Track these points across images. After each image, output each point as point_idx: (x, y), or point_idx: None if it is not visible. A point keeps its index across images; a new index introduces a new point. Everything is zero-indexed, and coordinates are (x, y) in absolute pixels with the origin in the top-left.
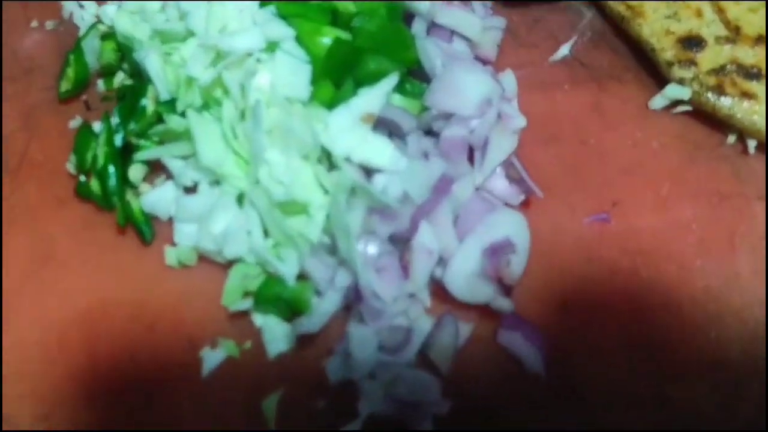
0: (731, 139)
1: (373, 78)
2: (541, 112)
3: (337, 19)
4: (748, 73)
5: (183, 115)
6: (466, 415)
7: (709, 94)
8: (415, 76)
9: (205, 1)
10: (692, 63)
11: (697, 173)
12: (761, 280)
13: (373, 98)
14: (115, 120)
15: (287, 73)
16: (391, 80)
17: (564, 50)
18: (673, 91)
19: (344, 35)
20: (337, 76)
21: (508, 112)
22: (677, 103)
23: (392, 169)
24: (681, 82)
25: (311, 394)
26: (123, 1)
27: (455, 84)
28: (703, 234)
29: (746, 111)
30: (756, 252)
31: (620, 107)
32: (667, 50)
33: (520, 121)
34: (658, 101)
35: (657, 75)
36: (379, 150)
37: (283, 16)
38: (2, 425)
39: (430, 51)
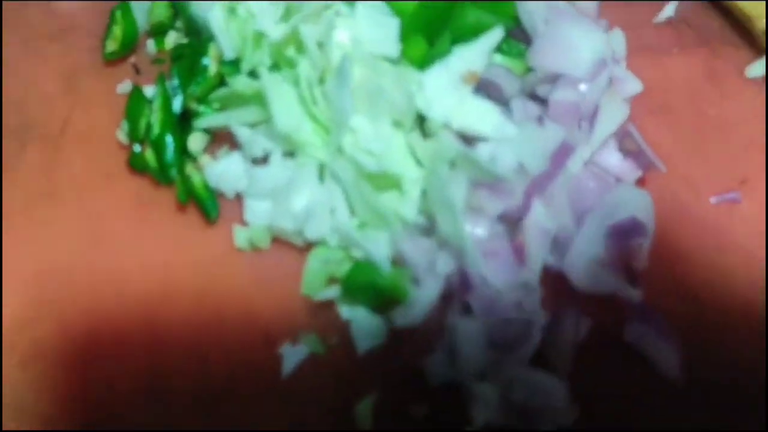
0: None
1: (471, 34)
2: (649, 78)
3: None
4: None
5: (249, 76)
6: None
7: None
8: (514, 37)
9: None
10: None
11: None
12: None
13: (475, 55)
14: (171, 83)
15: (372, 28)
16: (495, 35)
17: (669, 10)
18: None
19: None
20: (430, 30)
21: (620, 76)
22: None
23: (501, 135)
24: None
25: (410, 398)
26: None
27: (564, 41)
28: None
29: None
30: None
31: (737, 75)
32: (762, 17)
33: (635, 86)
34: (756, 69)
35: None
36: (484, 114)
37: None
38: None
39: (531, 6)
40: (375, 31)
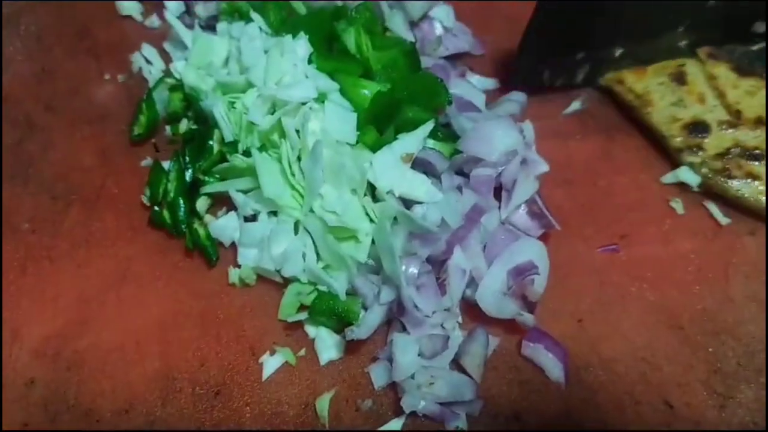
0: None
1: (411, 124)
2: (556, 158)
3: (368, 73)
4: (752, 155)
5: (244, 155)
6: (494, 418)
7: (719, 178)
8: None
9: (263, 56)
10: (700, 148)
11: (695, 212)
12: (753, 303)
13: (412, 141)
14: (184, 159)
15: (337, 120)
16: (428, 126)
17: (576, 105)
18: (684, 175)
19: (382, 87)
20: (379, 122)
21: (533, 159)
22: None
23: (430, 200)
24: (691, 166)
25: (359, 395)
26: (188, 55)
27: (486, 135)
28: (700, 263)
29: (753, 191)
30: (748, 279)
31: (627, 154)
32: (676, 137)
33: (543, 167)
34: (669, 178)
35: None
36: (417, 184)
37: (325, 71)
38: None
39: (462, 122)
40: (339, 123)
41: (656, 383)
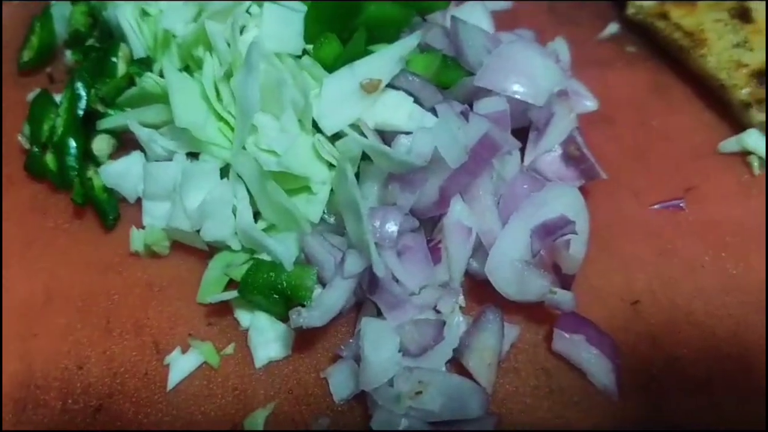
0: None
1: (383, 30)
2: (593, 92)
3: None
4: None
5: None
6: None
7: None
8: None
9: None
10: None
11: None
12: None
13: (380, 62)
14: (77, 86)
15: (276, 24)
16: (407, 43)
17: (612, 28)
18: (751, 140)
19: None
20: (334, 24)
21: (575, 90)
22: None
23: (416, 126)
24: (762, 127)
25: (310, 411)
26: None
27: (519, 68)
28: None
29: None
30: None
31: (683, 88)
32: (740, 87)
33: (591, 104)
34: (731, 145)
35: None
36: (397, 106)
37: None
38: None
39: (471, 35)
40: (280, 29)
41: (748, 391)
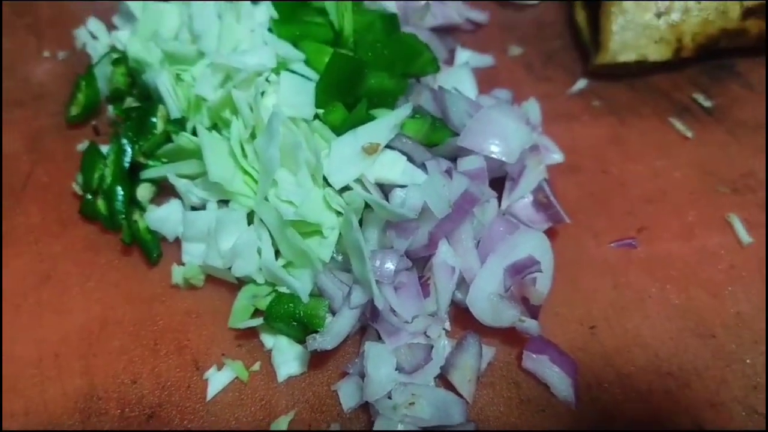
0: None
1: (382, 98)
2: (561, 143)
3: (339, 41)
4: None
5: (193, 134)
6: None
7: None
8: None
9: (217, 22)
10: None
11: (722, 202)
12: None
13: (379, 129)
14: (123, 141)
15: (291, 93)
16: (402, 112)
17: (581, 83)
18: None
19: (347, 52)
20: (340, 93)
21: (544, 144)
22: None
23: (409, 181)
24: None
25: (324, 418)
26: (135, 26)
27: (495, 129)
28: (732, 261)
29: None
30: None
31: (640, 139)
32: None
33: (557, 157)
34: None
35: (677, 110)
36: (392, 163)
37: (288, 39)
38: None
39: (455, 102)
40: (294, 97)
41: (685, 403)
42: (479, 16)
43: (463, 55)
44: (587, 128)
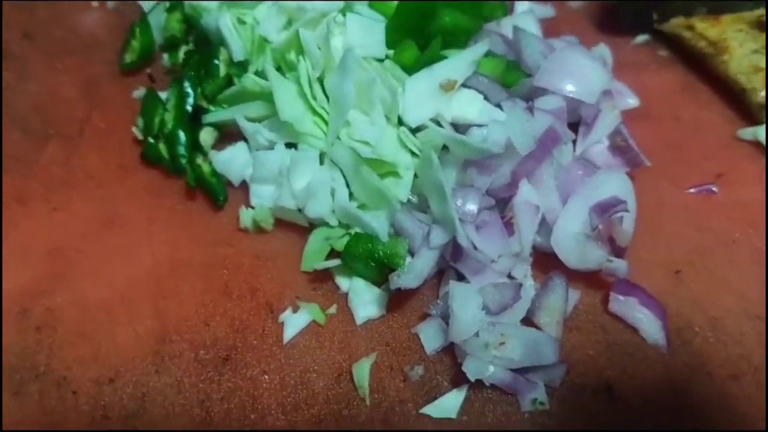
0: None
1: (454, 37)
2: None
3: None
4: None
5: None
6: (579, 391)
7: None
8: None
9: None
10: None
11: None
12: None
13: (456, 65)
14: (184, 85)
15: (361, 33)
16: (479, 49)
17: (643, 37)
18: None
19: None
20: (412, 31)
21: (618, 89)
22: None
23: (488, 120)
24: None
25: (406, 361)
26: None
27: (573, 69)
28: None
29: None
30: None
31: (708, 87)
32: (759, 90)
33: (632, 101)
34: (747, 134)
35: None
36: (469, 102)
37: None
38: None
39: (530, 43)
40: (364, 37)
41: None
42: None
43: (524, 5)
44: (656, 76)
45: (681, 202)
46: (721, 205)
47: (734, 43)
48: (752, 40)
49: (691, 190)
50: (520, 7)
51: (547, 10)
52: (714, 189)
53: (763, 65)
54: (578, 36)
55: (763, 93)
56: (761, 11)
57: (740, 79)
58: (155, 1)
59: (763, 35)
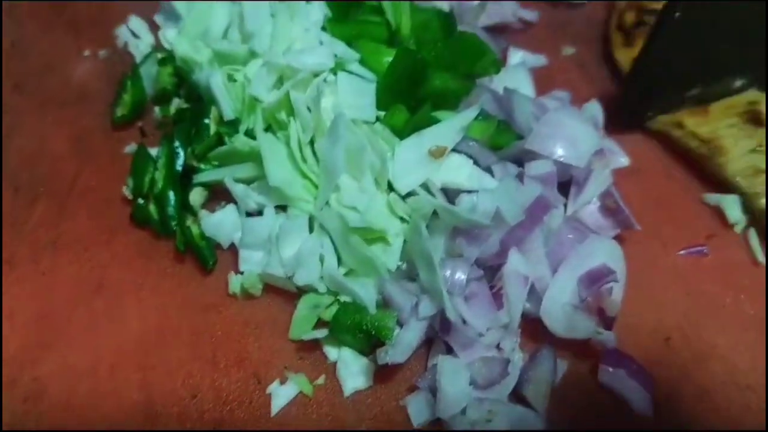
0: None
1: (445, 99)
2: (622, 146)
3: (395, 40)
4: None
5: (247, 136)
6: None
7: None
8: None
9: (270, 20)
10: None
11: None
12: None
13: (445, 131)
14: (174, 144)
15: (351, 94)
16: (469, 114)
17: None
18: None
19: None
20: (403, 94)
21: (609, 148)
22: None
23: (479, 186)
24: None
25: None
26: (182, 25)
27: (564, 133)
28: None
29: None
30: None
31: None
32: (761, 196)
33: (623, 160)
34: (712, 199)
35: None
36: (458, 167)
37: (343, 38)
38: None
39: (521, 104)
40: (354, 98)
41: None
42: (530, 14)
43: (517, 55)
44: (647, 133)
45: (671, 265)
46: (711, 267)
47: (728, 141)
48: (747, 137)
49: (682, 252)
50: (514, 57)
51: (540, 60)
52: (705, 250)
53: (763, 166)
54: (571, 86)
55: (763, 200)
56: (751, 96)
57: (740, 183)
58: (148, 51)
59: (759, 131)
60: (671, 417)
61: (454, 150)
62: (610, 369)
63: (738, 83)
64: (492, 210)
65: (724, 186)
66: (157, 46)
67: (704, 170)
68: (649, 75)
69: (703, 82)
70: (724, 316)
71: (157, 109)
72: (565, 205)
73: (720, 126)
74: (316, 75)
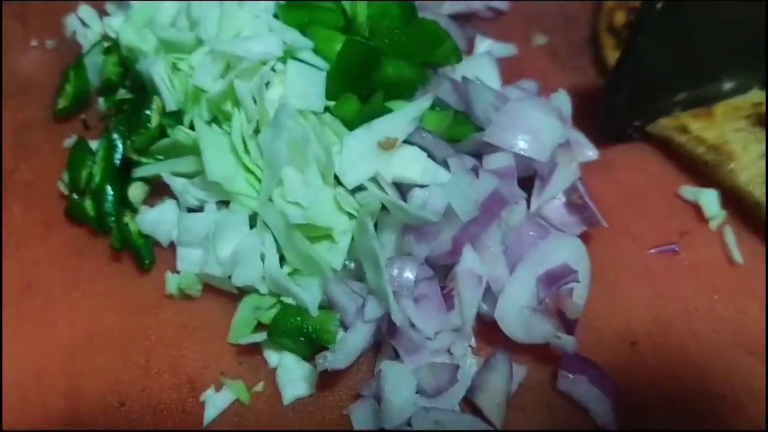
0: None
1: (399, 88)
2: (592, 138)
3: (351, 27)
4: None
5: (191, 129)
6: None
7: None
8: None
9: (218, 6)
10: None
11: None
12: None
13: (397, 122)
14: (113, 136)
15: (300, 83)
16: (422, 104)
17: None
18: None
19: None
20: (354, 83)
21: (576, 140)
22: None
23: (431, 181)
24: None
25: None
26: (129, 13)
27: (524, 125)
28: None
29: None
30: None
31: None
32: None
33: (592, 153)
34: (688, 193)
35: None
36: (411, 161)
37: (296, 26)
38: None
39: (480, 94)
40: (302, 87)
41: (740, 428)
42: (500, 3)
43: (484, 44)
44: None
45: (641, 264)
46: (683, 267)
47: (737, 146)
48: (756, 141)
49: (653, 251)
50: (481, 45)
51: (509, 49)
52: (677, 249)
53: None
54: (541, 76)
55: None
56: (755, 97)
57: (753, 191)
58: (95, 42)
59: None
60: (636, 427)
61: (407, 142)
62: (570, 375)
63: (727, 86)
64: (443, 206)
65: (733, 194)
66: (106, 38)
67: (711, 178)
68: (633, 77)
69: (690, 84)
70: (695, 318)
71: (101, 100)
72: (529, 201)
73: (727, 130)
74: (264, 63)
